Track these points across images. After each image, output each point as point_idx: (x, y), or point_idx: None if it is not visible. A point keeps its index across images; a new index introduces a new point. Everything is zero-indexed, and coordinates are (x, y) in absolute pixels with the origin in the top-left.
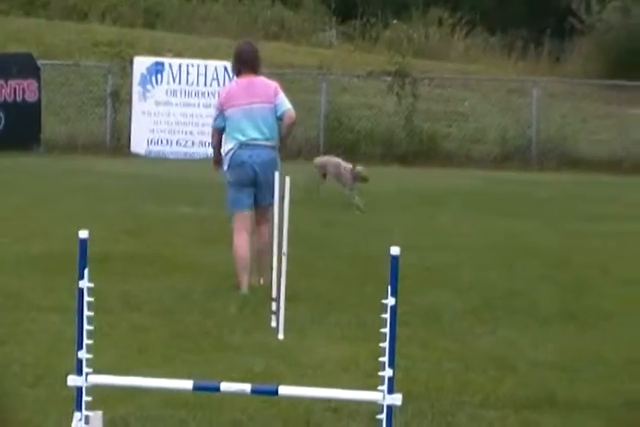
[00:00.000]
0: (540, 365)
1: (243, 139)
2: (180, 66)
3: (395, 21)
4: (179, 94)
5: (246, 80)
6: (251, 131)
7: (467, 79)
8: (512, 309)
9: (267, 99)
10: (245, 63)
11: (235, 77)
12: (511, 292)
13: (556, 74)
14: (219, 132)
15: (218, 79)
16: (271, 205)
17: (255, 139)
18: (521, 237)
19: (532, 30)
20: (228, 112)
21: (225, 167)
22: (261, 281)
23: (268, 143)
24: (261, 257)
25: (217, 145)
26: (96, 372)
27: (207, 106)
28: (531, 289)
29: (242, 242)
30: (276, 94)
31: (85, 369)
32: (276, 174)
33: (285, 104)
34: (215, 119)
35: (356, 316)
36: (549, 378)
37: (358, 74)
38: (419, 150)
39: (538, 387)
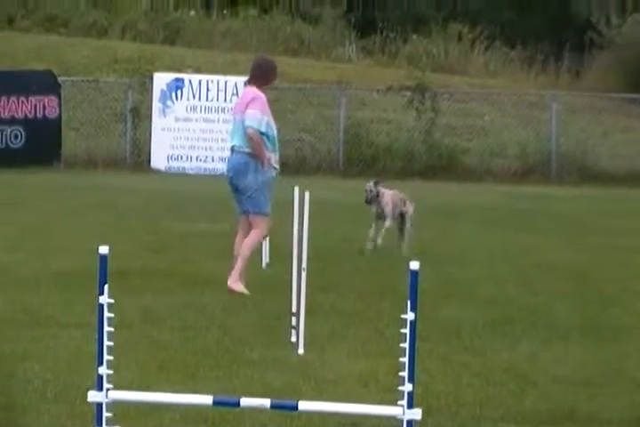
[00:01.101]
0: (561, 379)
1: (229, 145)
2: (199, 82)
3: (414, 36)
4: (199, 110)
5: (243, 91)
6: (232, 138)
7: (486, 94)
8: (532, 323)
9: (242, 109)
10: (249, 75)
11: None
12: (531, 306)
13: (575, 88)
14: None
15: (237, 95)
16: (250, 214)
17: (233, 145)
18: (541, 251)
19: (551, 44)
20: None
21: None
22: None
23: (241, 149)
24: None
25: None
26: (116, 388)
27: (227, 121)
28: (551, 304)
29: (236, 241)
30: (247, 105)
31: (106, 385)
32: (247, 182)
33: (248, 119)
34: None
35: (375, 331)
36: (570, 392)
37: (377, 89)
38: (438, 165)
39: (558, 401)
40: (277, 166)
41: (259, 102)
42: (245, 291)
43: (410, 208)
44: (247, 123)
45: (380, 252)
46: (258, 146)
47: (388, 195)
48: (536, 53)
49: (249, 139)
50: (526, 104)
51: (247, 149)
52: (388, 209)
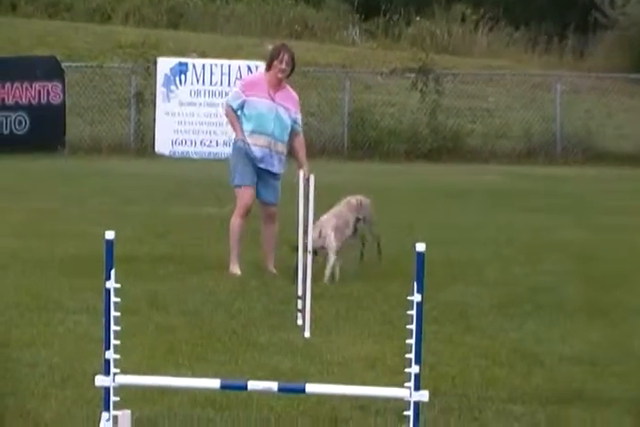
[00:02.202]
0: (568, 359)
1: None
2: (203, 66)
3: (417, 18)
4: (202, 94)
5: None
6: None
7: (490, 75)
8: (538, 303)
9: None
10: None
11: None
12: (537, 287)
13: (580, 68)
14: None
15: (242, 79)
16: None
17: None
18: (546, 231)
19: (555, 24)
20: None
21: None
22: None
23: None
24: None
25: None
26: (123, 372)
27: None
28: (557, 284)
29: None
30: None
31: (113, 369)
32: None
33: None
34: None
35: (381, 313)
36: (577, 373)
37: (381, 71)
38: (443, 147)
39: (566, 382)
40: (255, 150)
41: (241, 82)
42: (238, 272)
43: (368, 214)
44: None
45: (386, 234)
46: (227, 117)
47: (331, 230)
48: (540, 34)
49: None
50: (530, 85)
51: None
52: (333, 245)
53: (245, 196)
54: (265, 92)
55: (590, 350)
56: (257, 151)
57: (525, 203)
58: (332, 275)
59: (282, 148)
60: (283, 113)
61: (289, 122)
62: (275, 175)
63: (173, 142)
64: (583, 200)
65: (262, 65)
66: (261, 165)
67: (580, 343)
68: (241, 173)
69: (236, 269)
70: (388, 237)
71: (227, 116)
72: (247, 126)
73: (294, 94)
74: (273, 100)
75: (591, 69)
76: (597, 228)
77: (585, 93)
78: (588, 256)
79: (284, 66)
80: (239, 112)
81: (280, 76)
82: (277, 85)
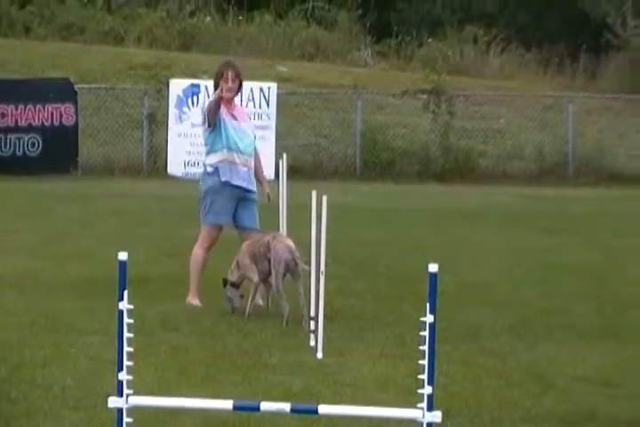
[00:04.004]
0: (580, 380)
1: None
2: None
3: (429, 40)
4: None
5: None
6: None
7: (502, 96)
8: (550, 325)
9: None
10: None
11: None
12: (549, 308)
13: (592, 89)
14: None
15: (254, 100)
16: None
17: None
18: (559, 253)
19: (567, 46)
20: None
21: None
22: None
23: None
24: None
25: None
26: (136, 393)
27: None
28: (569, 305)
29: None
30: None
31: (126, 390)
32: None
33: None
34: None
35: (394, 334)
36: (589, 393)
37: (393, 92)
38: (455, 168)
39: (578, 402)
40: (223, 167)
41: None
42: (197, 303)
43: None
44: None
45: (398, 256)
46: (208, 112)
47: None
48: (552, 55)
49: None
50: (542, 106)
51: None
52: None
53: (213, 233)
54: (225, 111)
55: (602, 372)
56: (225, 168)
57: (537, 224)
58: (267, 304)
59: (250, 162)
60: (246, 128)
61: (252, 137)
62: (250, 194)
63: (186, 164)
64: (595, 222)
65: (274, 86)
66: (237, 183)
67: (592, 365)
68: (217, 212)
69: (195, 300)
70: (400, 258)
71: (208, 111)
72: (218, 146)
73: (246, 110)
74: (234, 117)
75: (603, 90)
76: (609, 249)
77: (597, 114)
78: (599, 278)
79: (229, 84)
80: (209, 135)
81: (229, 95)
82: (229, 104)
